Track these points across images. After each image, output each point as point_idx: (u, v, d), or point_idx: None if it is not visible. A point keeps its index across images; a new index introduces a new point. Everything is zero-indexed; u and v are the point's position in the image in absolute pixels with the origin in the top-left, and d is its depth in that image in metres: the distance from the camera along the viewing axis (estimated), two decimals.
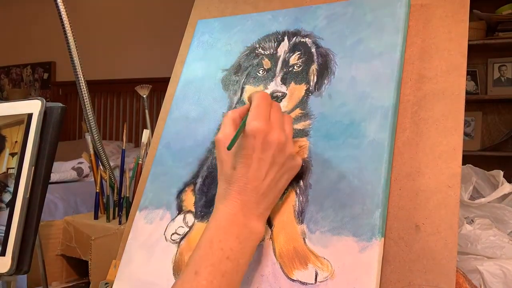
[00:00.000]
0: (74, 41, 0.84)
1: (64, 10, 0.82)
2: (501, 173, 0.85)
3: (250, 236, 0.45)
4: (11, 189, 0.62)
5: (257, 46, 0.62)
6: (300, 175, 0.51)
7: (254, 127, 0.44)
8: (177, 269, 0.53)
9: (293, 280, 0.47)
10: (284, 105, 0.56)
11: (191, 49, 0.68)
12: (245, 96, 0.59)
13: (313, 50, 0.57)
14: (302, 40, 0.59)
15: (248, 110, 0.47)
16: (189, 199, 0.57)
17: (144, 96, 1.02)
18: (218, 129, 0.59)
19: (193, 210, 0.56)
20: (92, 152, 0.93)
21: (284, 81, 0.57)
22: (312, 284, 0.46)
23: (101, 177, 0.93)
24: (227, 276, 0.42)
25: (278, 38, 0.61)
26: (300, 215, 0.49)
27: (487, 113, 2.47)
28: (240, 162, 0.45)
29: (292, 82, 0.57)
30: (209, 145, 0.59)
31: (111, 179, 0.92)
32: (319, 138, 0.52)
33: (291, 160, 0.47)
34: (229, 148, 0.45)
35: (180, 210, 0.57)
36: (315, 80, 0.55)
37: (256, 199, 0.45)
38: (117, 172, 0.94)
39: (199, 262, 0.43)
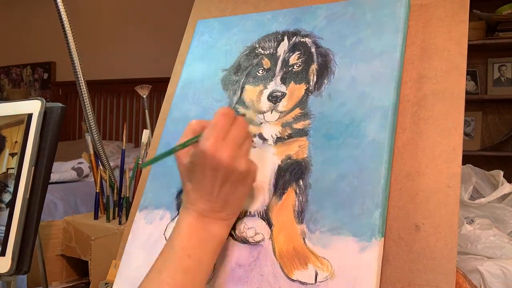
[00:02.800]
0: (74, 41, 0.84)
1: (64, 10, 0.82)
2: (501, 173, 0.85)
3: (210, 238, 0.46)
4: (11, 189, 0.62)
5: (257, 46, 0.62)
6: (300, 175, 0.51)
7: (203, 147, 0.44)
8: None
9: (293, 280, 0.46)
10: (284, 104, 0.56)
11: (191, 49, 0.68)
12: (245, 96, 0.59)
13: (313, 50, 0.57)
14: (302, 40, 0.59)
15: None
16: None
17: (144, 96, 1.02)
18: None
19: None
20: (92, 152, 0.93)
21: (284, 80, 0.57)
22: (312, 284, 0.46)
23: (101, 177, 0.93)
24: (189, 273, 0.44)
25: (278, 38, 0.61)
26: (300, 215, 0.49)
27: (487, 113, 2.47)
28: (193, 177, 0.46)
29: (292, 82, 0.57)
30: None
31: (111, 179, 0.92)
32: (319, 138, 0.52)
33: (245, 174, 0.46)
34: (146, 165, 0.50)
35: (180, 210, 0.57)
36: (315, 80, 0.55)
37: (213, 208, 0.46)
38: (117, 172, 0.94)
39: (162, 262, 0.45)
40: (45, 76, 3.87)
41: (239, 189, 0.47)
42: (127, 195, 0.87)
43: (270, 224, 0.50)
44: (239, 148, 0.46)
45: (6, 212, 0.61)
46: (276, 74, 0.58)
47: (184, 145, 0.47)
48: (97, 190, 0.93)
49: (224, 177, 0.45)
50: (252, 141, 0.53)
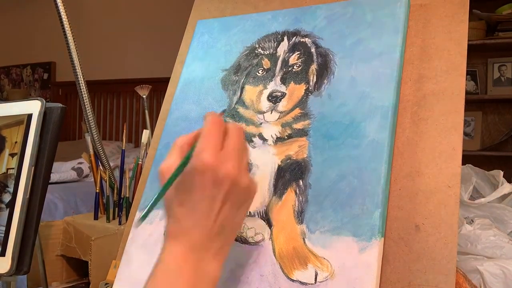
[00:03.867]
0: (74, 41, 0.84)
1: (64, 10, 0.82)
2: (501, 173, 0.85)
3: (204, 280, 0.39)
4: (11, 189, 0.62)
5: (257, 46, 0.62)
6: (300, 175, 0.51)
7: (202, 161, 0.38)
8: None
9: (293, 280, 0.46)
10: (284, 104, 0.56)
11: (191, 49, 0.68)
12: (245, 96, 0.59)
13: (313, 50, 0.57)
14: (301, 40, 0.59)
15: (197, 138, 0.41)
16: None
17: (144, 96, 1.02)
18: None
19: None
20: (92, 152, 0.93)
21: (284, 81, 0.57)
22: (312, 284, 0.46)
23: (101, 177, 0.93)
24: None
25: (277, 38, 0.61)
26: (300, 215, 0.49)
27: (487, 113, 2.47)
28: (186, 200, 0.39)
29: (292, 82, 0.57)
30: None
31: (111, 179, 0.92)
32: (318, 138, 0.52)
33: (246, 192, 0.41)
34: (142, 218, 0.40)
35: None
36: (315, 80, 0.55)
37: (209, 238, 0.39)
38: (117, 172, 0.94)
39: None
40: (45, 76, 3.87)
41: (239, 212, 0.41)
42: (127, 195, 0.87)
43: (270, 224, 0.50)
44: (241, 161, 0.40)
45: (6, 212, 0.61)
46: (276, 74, 0.58)
47: (179, 170, 0.39)
48: (97, 190, 0.93)
49: (225, 195, 0.39)
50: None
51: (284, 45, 0.59)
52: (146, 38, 3.30)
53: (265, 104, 0.57)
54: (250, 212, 0.52)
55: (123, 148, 0.99)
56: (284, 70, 0.58)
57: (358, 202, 0.47)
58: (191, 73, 0.66)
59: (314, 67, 0.56)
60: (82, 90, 0.86)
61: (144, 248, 0.57)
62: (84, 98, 0.87)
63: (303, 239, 0.48)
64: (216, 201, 0.39)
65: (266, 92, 0.58)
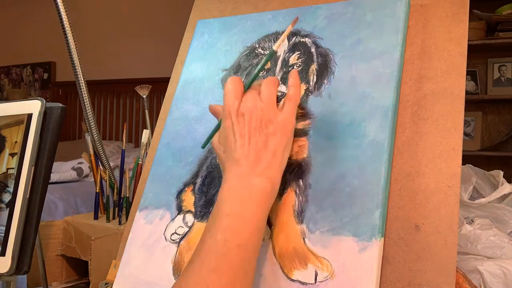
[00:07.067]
0: (74, 41, 0.84)
1: (64, 10, 0.82)
2: (501, 173, 0.85)
3: (249, 189, 0.45)
4: (11, 189, 0.62)
5: (257, 46, 0.62)
6: (300, 175, 0.51)
7: (225, 104, 0.47)
8: (177, 269, 0.53)
9: (293, 280, 0.46)
10: None
11: (191, 49, 0.68)
12: None
13: (313, 50, 0.57)
14: (301, 40, 0.59)
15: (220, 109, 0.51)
16: (189, 199, 0.57)
17: (144, 96, 1.02)
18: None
19: (193, 210, 0.56)
20: (92, 152, 0.93)
21: (284, 81, 0.57)
22: (312, 284, 0.46)
23: (101, 177, 0.93)
24: (228, 232, 0.42)
25: (278, 38, 0.61)
26: (300, 215, 0.49)
27: (487, 113, 2.47)
28: (223, 140, 0.48)
29: None
30: (209, 145, 0.59)
31: (111, 179, 0.92)
32: (319, 138, 0.52)
33: (274, 123, 0.47)
34: (202, 147, 0.53)
35: (179, 210, 0.57)
36: (315, 80, 0.55)
37: (247, 157, 0.46)
38: (117, 172, 0.94)
39: (208, 223, 0.45)
40: (45, 76, 3.87)
41: (270, 141, 0.46)
42: (127, 195, 0.87)
43: (270, 224, 0.50)
44: (271, 101, 0.47)
45: (6, 212, 0.61)
46: (276, 74, 0.58)
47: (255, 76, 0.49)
48: (97, 190, 0.93)
49: (249, 124, 0.46)
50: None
51: (284, 45, 0.59)
52: (146, 38, 3.30)
53: None
54: None
55: (123, 148, 1.00)
56: (284, 70, 0.58)
57: (358, 202, 0.47)
58: (191, 73, 0.66)
59: (314, 67, 0.56)
60: (82, 90, 0.86)
61: (144, 248, 0.57)
62: (84, 98, 0.87)
63: (303, 239, 0.48)
64: (239, 129, 0.46)
65: None
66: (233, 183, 0.45)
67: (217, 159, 0.51)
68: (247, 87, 0.48)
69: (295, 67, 0.57)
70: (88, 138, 0.91)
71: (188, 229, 0.55)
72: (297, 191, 0.50)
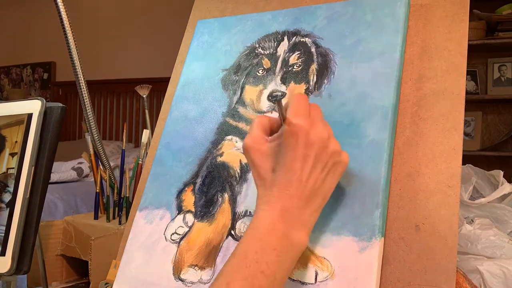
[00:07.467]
0: (74, 41, 0.84)
1: (64, 10, 0.82)
2: (501, 173, 0.85)
3: (290, 248, 0.41)
4: (11, 189, 0.62)
5: (257, 46, 0.62)
6: None
7: (296, 124, 0.41)
8: (177, 269, 0.53)
9: (293, 280, 0.46)
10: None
11: (191, 49, 0.68)
12: (245, 96, 0.59)
13: (313, 49, 0.57)
14: (301, 40, 0.59)
15: (277, 121, 0.45)
16: (189, 199, 0.57)
17: (144, 96, 1.02)
18: (218, 129, 0.59)
19: (193, 210, 0.56)
20: (92, 152, 0.93)
21: (284, 80, 0.57)
22: (312, 284, 0.46)
23: (101, 177, 0.93)
24: None
25: (277, 38, 0.61)
26: None
27: (487, 113, 2.47)
28: (280, 163, 0.42)
29: (292, 82, 0.57)
30: (209, 145, 0.59)
31: (111, 179, 0.92)
32: None
33: (335, 157, 0.43)
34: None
35: (180, 210, 0.57)
36: (315, 79, 0.55)
37: (299, 204, 0.41)
38: (117, 172, 0.94)
39: (232, 274, 0.39)
40: (45, 76, 3.87)
41: (329, 177, 0.43)
42: (127, 195, 0.87)
43: None
44: (328, 128, 0.43)
45: (6, 212, 0.61)
46: (276, 74, 0.58)
47: None
48: (97, 190, 0.93)
49: (316, 156, 0.41)
50: None
51: (284, 45, 0.59)
52: (146, 38, 3.30)
53: (265, 104, 0.57)
54: (250, 212, 0.52)
55: (123, 148, 1.00)
56: (284, 70, 0.58)
57: (358, 202, 0.47)
58: (191, 73, 0.66)
59: (314, 67, 0.56)
60: (82, 90, 0.86)
61: (144, 248, 0.57)
62: (84, 98, 0.87)
63: None
64: (307, 161, 0.41)
65: (266, 92, 0.58)
66: (276, 227, 0.40)
67: (257, 168, 0.44)
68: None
69: (295, 67, 0.57)
70: (88, 138, 0.91)
71: (188, 229, 0.55)
72: None
